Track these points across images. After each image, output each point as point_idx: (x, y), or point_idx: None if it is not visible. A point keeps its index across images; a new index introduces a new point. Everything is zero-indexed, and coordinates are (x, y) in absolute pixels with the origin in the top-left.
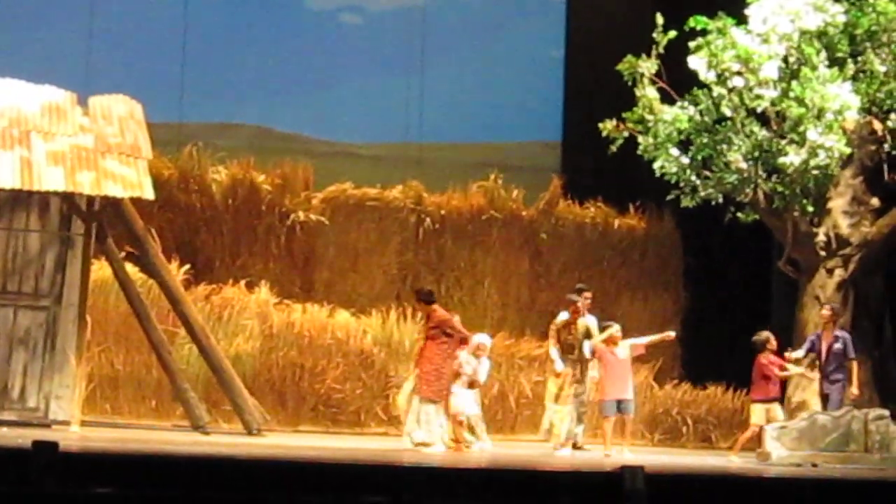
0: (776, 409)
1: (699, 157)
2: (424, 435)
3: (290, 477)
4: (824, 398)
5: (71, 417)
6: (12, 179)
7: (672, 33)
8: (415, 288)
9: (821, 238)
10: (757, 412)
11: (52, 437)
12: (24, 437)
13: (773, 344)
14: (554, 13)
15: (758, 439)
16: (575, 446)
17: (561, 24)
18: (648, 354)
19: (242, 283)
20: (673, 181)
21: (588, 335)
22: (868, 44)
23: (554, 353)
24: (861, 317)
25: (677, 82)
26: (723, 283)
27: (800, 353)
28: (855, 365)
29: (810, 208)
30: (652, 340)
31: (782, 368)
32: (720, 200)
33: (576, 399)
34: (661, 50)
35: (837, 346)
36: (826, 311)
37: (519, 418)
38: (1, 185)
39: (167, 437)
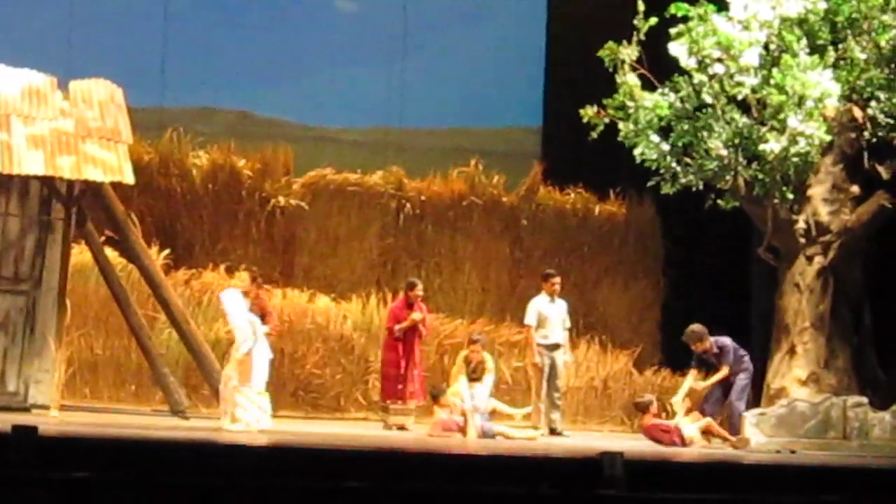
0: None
1: (679, 144)
2: None
3: (270, 462)
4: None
5: (50, 402)
6: None
7: (653, 20)
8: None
9: (801, 225)
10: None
11: (31, 421)
12: (3, 422)
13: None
14: None
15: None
16: (553, 432)
17: (542, 10)
18: (627, 342)
19: (222, 267)
20: (653, 168)
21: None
22: (849, 31)
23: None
24: (840, 304)
25: (658, 69)
26: (703, 270)
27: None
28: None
29: (790, 195)
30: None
31: (666, 430)
32: (700, 187)
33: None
34: (641, 36)
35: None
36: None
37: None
38: None
39: (147, 421)
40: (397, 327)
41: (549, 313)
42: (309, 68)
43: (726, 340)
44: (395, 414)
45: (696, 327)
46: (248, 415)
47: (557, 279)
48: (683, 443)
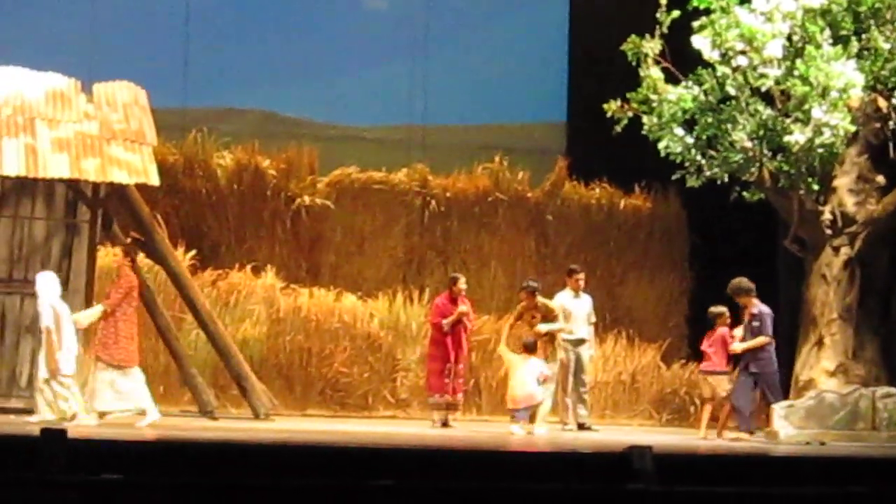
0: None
1: (704, 137)
2: None
3: (299, 461)
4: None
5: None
6: (17, 167)
7: (676, 13)
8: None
9: (826, 216)
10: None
11: (60, 424)
12: (32, 426)
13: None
14: None
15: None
16: (582, 427)
17: (565, 5)
18: (655, 336)
19: (249, 267)
20: (678, 161)
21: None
22: (872, 21)
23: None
24: (867, 294)
25: (681, 62)
26: (729, 263)
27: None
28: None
29: (816, 187)
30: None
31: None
32: (725, 180)
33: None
34: (664, 30)
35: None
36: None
37: None
38: (6, 172)
39: (175, 422)
40: (445, 321)
41: (573, 308)
42: (332, 67)
43: (768, 310)
44: (440, 409)
45: (745, 280)
46: (73, 404)
47: (581, 274)
48: None
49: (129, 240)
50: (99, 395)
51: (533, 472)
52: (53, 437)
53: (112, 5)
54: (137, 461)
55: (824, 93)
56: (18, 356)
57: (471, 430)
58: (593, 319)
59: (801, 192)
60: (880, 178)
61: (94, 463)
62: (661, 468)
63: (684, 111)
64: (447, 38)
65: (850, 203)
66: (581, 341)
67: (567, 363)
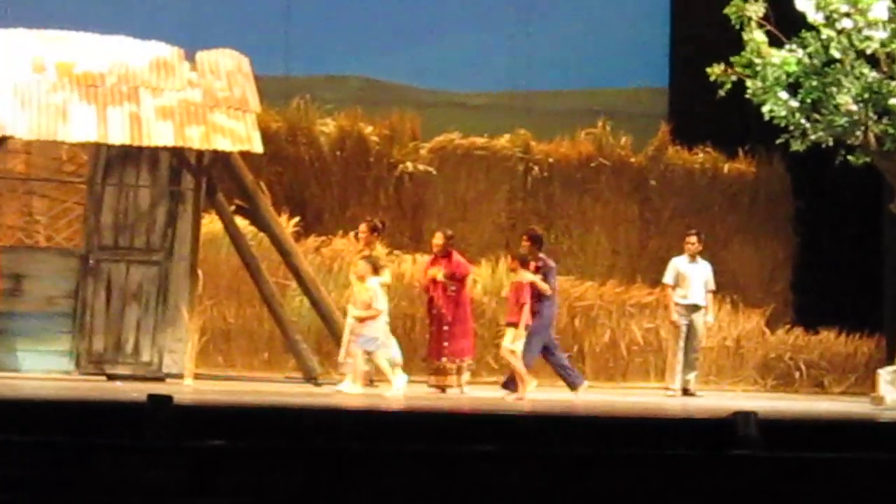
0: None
1: (808, 101)
2: None
3: (402, 427)
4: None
5: (184, 371)
6: (122, 135)
7: None
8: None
9: None
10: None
11: (166, 390)
12: (138, 391)
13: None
14: None
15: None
16: (686, 392)
17: None
18: (759, 301)
19: (352, 234)
20: (782, 125)
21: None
22: None
23: None
24: None
25: (785, 25)
26: (834, 227)
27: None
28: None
29: None
30: None
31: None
32: (830, 143)
33: None
34: None
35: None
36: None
37: (630, 366)
38: (111, 141)
39: (280, 388)
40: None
41: (688, 273)
42: (434, 33)
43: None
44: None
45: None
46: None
47: (690, 238)
48: None
49: (233, 207)
50: None
51: (637, 438)
52: (159, 403)
53: None
54: (242, 428)
55: None
56: (124, 324)
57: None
58: (712, 286)
59: None
60: None
61: (199, 429)
62: (766, 434)
63: (788, 74)
64: (549, 2)
65: None
66: (696, 307)
67: (679, 327)
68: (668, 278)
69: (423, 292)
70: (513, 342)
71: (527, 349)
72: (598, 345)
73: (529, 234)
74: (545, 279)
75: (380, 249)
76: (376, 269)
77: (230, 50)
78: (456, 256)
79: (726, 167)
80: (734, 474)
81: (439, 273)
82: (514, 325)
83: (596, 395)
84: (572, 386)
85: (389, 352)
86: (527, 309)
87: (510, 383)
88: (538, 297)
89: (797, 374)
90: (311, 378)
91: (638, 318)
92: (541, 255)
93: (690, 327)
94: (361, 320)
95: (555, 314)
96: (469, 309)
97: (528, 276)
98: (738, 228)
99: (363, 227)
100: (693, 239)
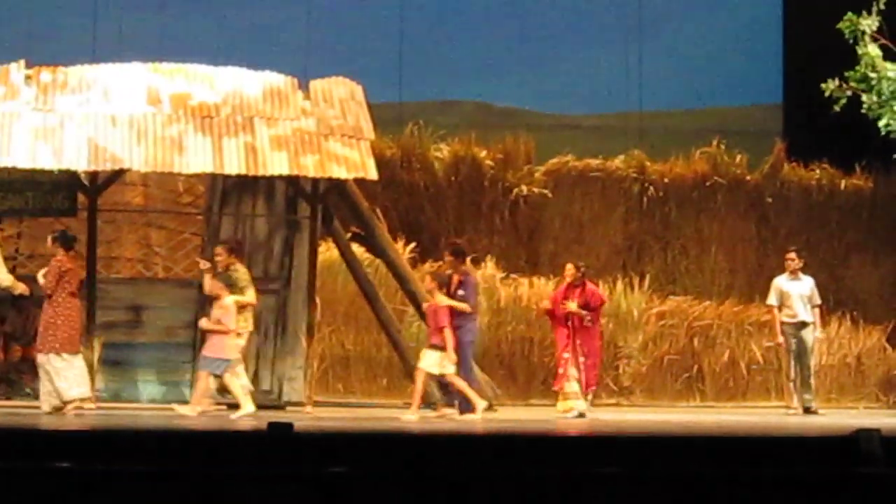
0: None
1: None
2: None
3: (522, 451)
4: None
5: (304, 398)
6: (238, 166)
7: None
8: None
9: None
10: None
11: (286, 418)
12: (259, 419)
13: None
14: None
15: None
16: (808, 411)
17: None
18: (880, 317)
19: (468, 259)
20: None
21: None
22: None
23: None
24: None
25: None
26: None
27: None
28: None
29: None
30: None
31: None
32: None
33: None
34: (882, 6)
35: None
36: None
37: (750, 384)
38: (227, 171)
39: (399, 414)
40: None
41: (790, 290)
42: (545, 56)
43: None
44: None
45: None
46: None
47: (790, 255)
48: None
49: (349, 234)
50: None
51: (759, 457)
52: (279, 431)
53: (327, 1)
54: (362, 454)
55: None
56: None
57: (692, 416)
58: (817, 301)
59: None
60: None
61: (319, 456)
62: (891, 451)
63: None
64: (660, 22)
65: None
66: (803, 324)
67: (788, 347)
68: (772, 299)
69: (548, 318)
70: (443, 367)
71: (462, 366)
72: (717, 364)
73: (452, 247)
74: (465, 293)
75: (242, 270)
76: (230, 288)
77: (343, 78)
78: (589, 286)
79: (843, 183)
80: (858, 493)
81: (572, 304)
82: (435, 347)
83: (716, 415)
84: (466, 410)
85: (242, 380)
86: (448, 332)
87: (465, 405)
88: (458, 314)
89: None
90: (429, 404)
91: (757, 337)
92: (464, 268)
93: (800, 345)
94: (208, 333)
95: (477, 328)
96: (601, 340)
97: (443, 301)
98: (856, 245)
99: (219, 248)
100: (793, 255)
